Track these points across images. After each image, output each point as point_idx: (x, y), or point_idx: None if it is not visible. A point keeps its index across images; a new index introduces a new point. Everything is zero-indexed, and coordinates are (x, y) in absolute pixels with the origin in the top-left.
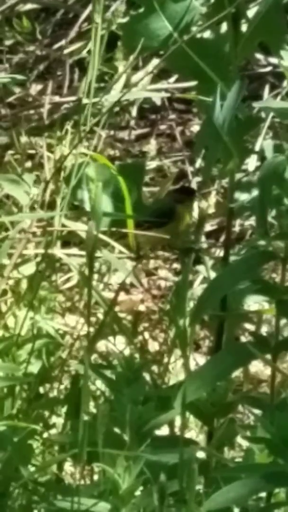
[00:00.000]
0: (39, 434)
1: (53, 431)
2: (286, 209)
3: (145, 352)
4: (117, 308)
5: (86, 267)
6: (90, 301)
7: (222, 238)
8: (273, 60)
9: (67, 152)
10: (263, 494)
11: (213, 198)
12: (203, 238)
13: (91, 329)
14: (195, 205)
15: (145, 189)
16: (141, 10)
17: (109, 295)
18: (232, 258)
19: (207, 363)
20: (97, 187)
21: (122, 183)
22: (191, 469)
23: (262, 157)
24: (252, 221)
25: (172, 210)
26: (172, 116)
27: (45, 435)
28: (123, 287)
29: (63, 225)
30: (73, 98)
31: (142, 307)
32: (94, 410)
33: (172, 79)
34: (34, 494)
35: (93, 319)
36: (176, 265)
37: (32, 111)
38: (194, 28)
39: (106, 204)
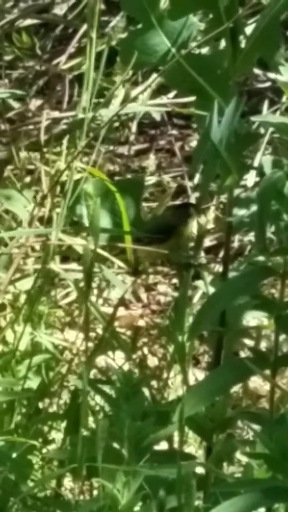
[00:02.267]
0: (38, 450)
1: (52, 447)
2: (285, 225)
3: (144, 367)
4: (116, 323)
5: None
6: (88, 316)
7: (221, 254)
8: (272, 75)
9: (63, 167)
10: (262, 510)
11: (212, 214)
12: (202, 254)
13: (90, 345)
14: (195, 220)
15: (144, 204)
16: (140, 26)
17: (109, 310)
18: (231, 274)
19: (206, 379)
20: (95, 202)
21: (119, 199)
22: (189, 485)
23: (261, 172)
24: (251, 236)
25: (171, 226)
26: (172, 131)
27: (44, 450)
28: (122, 303)
29: (62, 241)
30: (72, 113)
31: (141, 322)
32: (93, 426)
33: (171, 95)
34: (33, 510)
35: (92, 334)
36: (175, 280)
37: (31, 127)
38: (192, 44)
39: (104, 220)
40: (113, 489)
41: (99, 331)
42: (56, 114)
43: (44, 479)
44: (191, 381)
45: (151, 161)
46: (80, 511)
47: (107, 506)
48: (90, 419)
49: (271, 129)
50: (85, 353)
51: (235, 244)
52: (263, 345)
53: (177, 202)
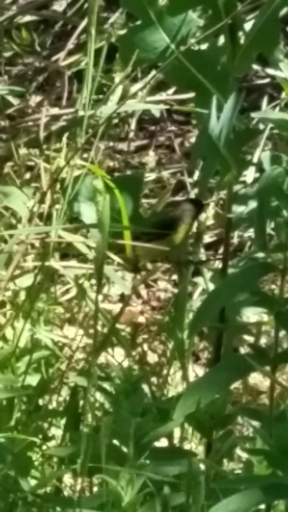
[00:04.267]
0: (38, 446)
1: (52, 443)
2: (284, 221)
3: (144, 364)
4: None
5: (84, 279)
6: (96, 316)
7: (221, 250)
8: (272, 71)
9: (63, 164)
10: (262, 506)
11: (211, 210)
12: (202, 250)
13: (90, 342)
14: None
15: (144, 200)
16: (139, 22)
17: (109, 306)
18: (230, 270)
19: (206, 375)
20: (104, 199)
21: (118, 195)
22: (197, 482)
23: (260, 168)
24: (250, 232)
25: (171, 222)
26: (171, 127)
27: (44, 447)
28: (124, 300)
29: (62, 238)
30: (71, 109)
31: (141, 319)
32: (93, 422)
33: (171, 91)
34: (34, 506)
35: (91, 331)
36: (175, 277)
37: (31, 123)
38: (192, 40)
39: None
40: (117, 486)
41: (99, 327)
42: (55, 110)
43: (45, 478)
44: (191, 378)
45: (150, 157)
46: (83, 508)
47: (109, 503)
48: (89, 416)
49: (270, 125)
50: (84, 349)
51: (235, 240)
52: (263, 341)
53: (177, 198)
